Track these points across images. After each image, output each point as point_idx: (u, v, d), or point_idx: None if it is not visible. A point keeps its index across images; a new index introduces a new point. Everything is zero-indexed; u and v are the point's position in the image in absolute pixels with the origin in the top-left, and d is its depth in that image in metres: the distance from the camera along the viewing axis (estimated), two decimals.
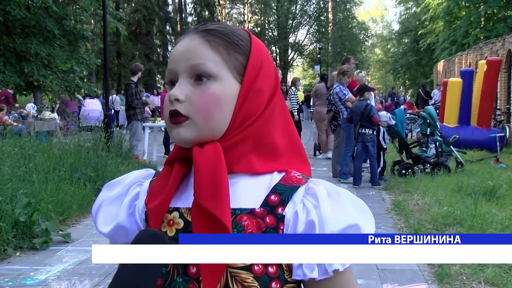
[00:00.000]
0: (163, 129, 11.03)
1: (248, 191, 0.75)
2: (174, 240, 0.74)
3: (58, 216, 4.68)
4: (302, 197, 0.74)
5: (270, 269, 0.72)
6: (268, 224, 0.73)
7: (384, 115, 7.08)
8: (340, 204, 0.73)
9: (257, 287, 0.71)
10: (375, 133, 6.67)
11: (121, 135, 8.10)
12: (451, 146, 7.50)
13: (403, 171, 7.25)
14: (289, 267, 0.73)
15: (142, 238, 0.68)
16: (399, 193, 6.18)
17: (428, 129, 7.59)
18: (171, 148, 8.93)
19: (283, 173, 0.78)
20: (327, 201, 0.73)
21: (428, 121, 7.56)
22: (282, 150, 0.79)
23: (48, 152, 5.81)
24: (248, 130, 0.75)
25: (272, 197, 0.74)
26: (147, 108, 12.61)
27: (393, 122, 7.23)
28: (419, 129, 8.54)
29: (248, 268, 0.71)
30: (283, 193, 0.75)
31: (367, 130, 6.59)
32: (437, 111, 10.80)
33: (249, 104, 0.75)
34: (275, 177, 0.77)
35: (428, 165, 7.36)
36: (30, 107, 14.35)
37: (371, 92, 7.16)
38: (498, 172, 7.03)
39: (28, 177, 4.90)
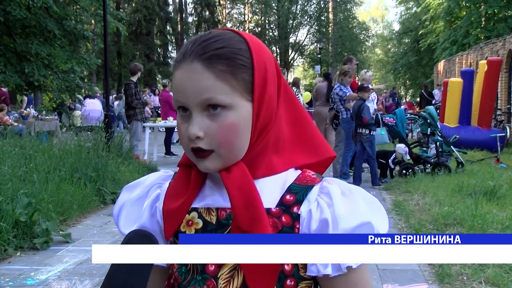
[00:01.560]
0: (162, 129, 11.03)
1: (264, 191, 0.76)
2: None
3: (59, 216, 4.68)
4: (317, 196, 0.75)
5: (286, 267, 0.74)
6: (284, 223, 0.74)
7: (401, 148, 7.21)
8: (353, 202, 0.73)
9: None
10: (372, 133, 6.66)
11: (121, 135, 8.10)
12: (452, 146, 7.50)
13: (404, 171, 7.26)
14: (304, 264, 0.74)
15: (131, 238, 0.69)
16: (399, 193, 6.18)
17: (429, 129, 7.60)
18: (172, 148, 8.88)
19: (299, 172, 0.79)
20: (341, 199, 0.74)
21: (428, 121, 7.57)
22: (289, 139, 0.79)
23: (48, 152, 5.80)
24: (266, 138, 0.76)
25: (288, 196, 0.76)
26: (147, 108, 12.60)
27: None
28: (419, 129, 8.54)
29: None
30: (298, 192, 0.76)
31: (363, 130, 6.58)
32: (438, 111, 10.80)
33: (263, 117, 0.75)
34: (290, 176, 0.78)
35: (429, 165, 7.37)
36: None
37: (373, 92, 7.16)
38: (499, 172, 7.03)
39: (28, 177, 4.90)
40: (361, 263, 0.72)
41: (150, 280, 0.85)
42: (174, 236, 0.79)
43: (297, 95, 9.92)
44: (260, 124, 0.75)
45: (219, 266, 0.75)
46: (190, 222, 0.78)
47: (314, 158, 0.82)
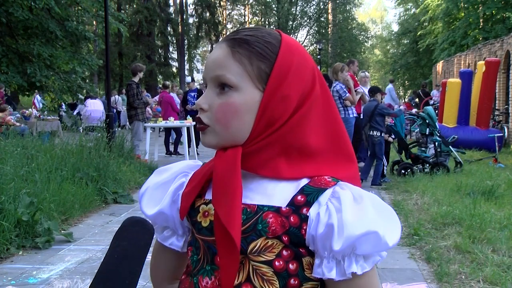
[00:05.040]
0: (162, 130, 11.07)
1: (277, 190, 0.77)
2: (207, 230, 0.79)
3: (60, 215, 4.69)
4: (327, 200, 0.75)
5: (290, 265, 0.74)
6: (292, 223, 0.74)
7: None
8: (362, 210, 0.72)
9: (275, 281, 0.74)
10: (382, 135, 6.76)
11: (122, 135, 8.12)
12: (450, 146, 7.54)
13: (403, 171, 7.29)
14: (310, 265, 0.75)
15: (125, 224, 0.70)
16: (398, 192, 6.21)
17: (427, 129, 7.64)
18: (171, 148, 8.90)
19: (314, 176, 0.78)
20: (350, 205, 0.72)
21: (427, 121, 7.61)
22: (318, 151, 0.79)
23: (50, 152, 5.82)
24: (273, 136, 0.76)
25: (299, 197, 0.76)
26: (148, 108, 12.64)
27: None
28: (418, 129, 8.58)
29: (269, 263, 0.74)
30: (309, 194, 0.76)
31: (375, 132, 6.67)
32: (436, 111, 10.83)
33: (271, 111, 0.76)
34: (305, 179, 0.78)
35: (427, 165, 7.40)
36: None
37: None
38: (497, 172, 7.07)
39: (30, 176, 4.91)
40: (367, 270, 0.72)
41: (162, 261, 0.88)
42: (191, 224, 0.82)
43: None
44: (267, 117, 0.76)
45: None
46: (206, 213, 0.80)
47: (353, 167, 0.82)
